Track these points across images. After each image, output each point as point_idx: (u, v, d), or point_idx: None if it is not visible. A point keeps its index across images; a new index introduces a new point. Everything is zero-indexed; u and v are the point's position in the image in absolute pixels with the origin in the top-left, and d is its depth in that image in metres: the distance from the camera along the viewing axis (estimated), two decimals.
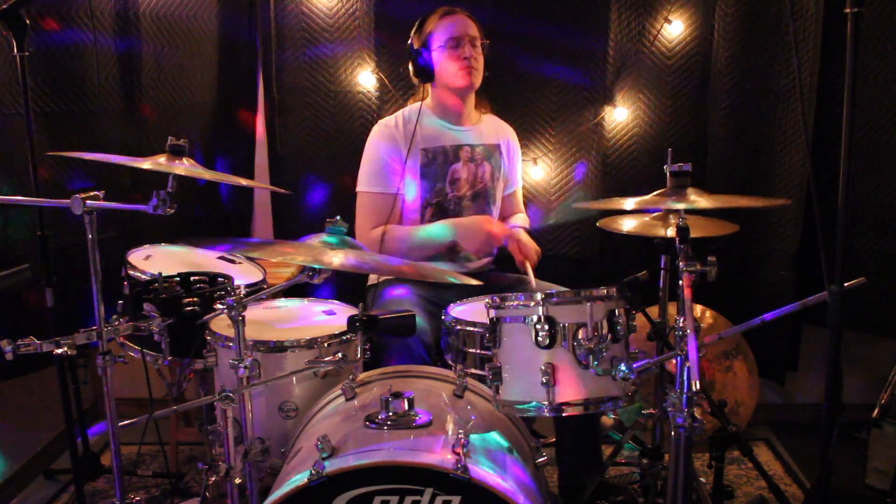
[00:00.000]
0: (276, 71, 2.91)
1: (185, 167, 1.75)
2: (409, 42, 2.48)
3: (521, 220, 2.71)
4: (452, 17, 2.43)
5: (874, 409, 2.61)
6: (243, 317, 1.63)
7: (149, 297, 1.95)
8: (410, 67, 2.49)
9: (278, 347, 1.89)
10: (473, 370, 1.93)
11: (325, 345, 1.91)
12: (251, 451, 1.70)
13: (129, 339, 2.05)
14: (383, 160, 2.45)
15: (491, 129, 2.64)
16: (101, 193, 1.69)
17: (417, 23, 2.47)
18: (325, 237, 1.66)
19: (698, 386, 1.45)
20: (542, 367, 1.58)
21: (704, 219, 2.11)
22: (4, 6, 2.04)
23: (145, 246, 2.33)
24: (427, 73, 2.45)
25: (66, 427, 2.27)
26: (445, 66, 2.42)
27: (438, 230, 2.43)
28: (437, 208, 2.51)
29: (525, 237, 2.52)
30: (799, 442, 2.95)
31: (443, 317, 2.11)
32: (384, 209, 2.42)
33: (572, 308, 1.60)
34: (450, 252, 2.51)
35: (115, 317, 1.87)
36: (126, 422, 1.74)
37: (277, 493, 1.41)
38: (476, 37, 2.44)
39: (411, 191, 2.49)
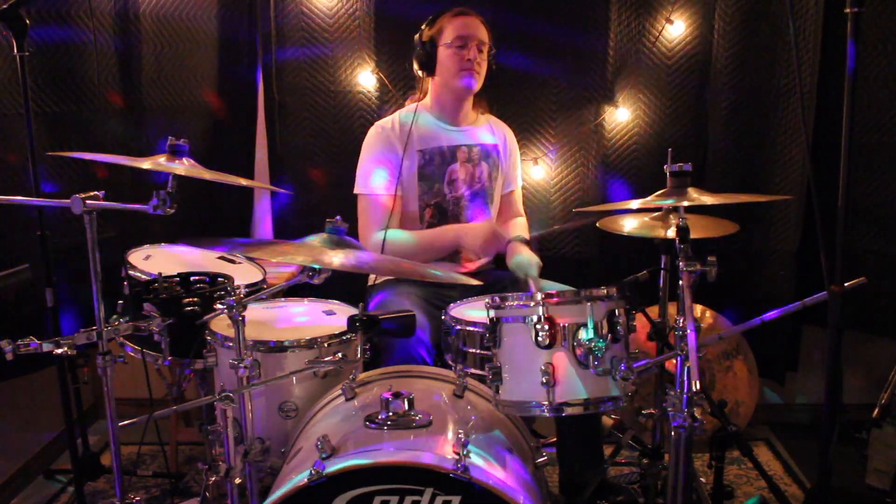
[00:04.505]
0: (276, 71, 2.91)
1: (185, 167, 1.75)
2: (419, 34, 2.48)
3: (520, 226, 2.69)
4: (465, 17, 2.44)
5: (874, 409, 2.60)
6: (243, 317, 1.63)
7: (149, 297, 1.95)
8: (415, 59, 2.50)
9: (278, 347, 1.89)
10: (473, 370, 1.93)
11: (325, 345, 1.91)
12: (251, 451, 1.70)
13: (129, 339, 2.04)
14: (380, 162, 2.46)
15: (488, 129, 2.64)
16: (101, 193, 1.69)
17: (431, 17, 2.48)
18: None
19: (698, 386, 1.45)
20: (542, 367, 1.57)
21: (705, 219, 2.11)
22: (4, 6, 2.04)
23: (145, 246, 2.33)
24: (430, 67, 2.46)
25: (66, 427, 2.27)
26: (448, 63, 2.43)
27: (442, 235, 2.44)
28: (436, 209, 2.51)
29: (525, 253, 2.42)
30: (799, 442, 2.95)
31: (443, 316, 2.11)
32: (383, 211, 2.43)
33: (572, 308, 1.59)
34: (451, 253, 2.52)
35: (115, 317, 1.87)
36: (126, 422, 1.74)
37: (277, 493, 1.41)
38: (484, 42, 2.45)
39: (409, 192, 2.49)
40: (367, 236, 2.44)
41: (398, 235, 2.43)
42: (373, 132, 2.52)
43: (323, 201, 2.96)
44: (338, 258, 1.58)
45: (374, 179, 2.46)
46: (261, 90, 2.96)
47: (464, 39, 2.41)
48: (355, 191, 2.49)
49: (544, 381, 1.57)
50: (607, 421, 2.59)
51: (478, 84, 2.48)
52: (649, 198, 1.85)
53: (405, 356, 2.08)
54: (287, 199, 2.98)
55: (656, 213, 2.11)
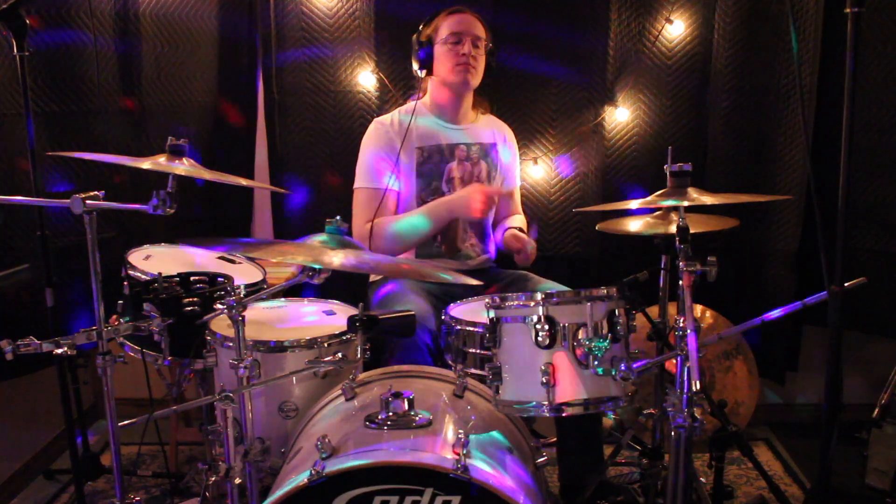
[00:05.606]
0: (276, 71, 2.91)
1: (185, 167, 1.75)
2: (417, 34, 2.50)
3: (518, 221, 2.71)
4: (460, 14, 2.47)
5: (874, 409, 2.60)
6: (243, 317, 1.63)
7: (149, 297, 1.95)
8: (414, 59, 2.51)
9: (278, 347, 1.89)
10: (473, 370, 1.93)
11: (325, 345, 1.91)
12: (251, 451, 1.70)
13: (129, 339, 2.04)
14: (378, 157, 2.48)
15: (487, 128, 2.64)
16: (101, 193, 1.69)
17: (428, 17, 2.50)
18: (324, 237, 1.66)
19: (698, 386, 1.45)
20: (542, 367, 1.58)
21: (705, 218, 2.11)
22: (4, 6, 2.04)
23: (145, 246, 2.33)
24: (428, 65, 2.48)
25: (66, 427, 2.27)
26: (444, 60, 2.45)
27: (434, 209, 2.44)
28: None
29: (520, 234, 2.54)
30: (799, 442, 2.95)
31: (443, 317, 2.11)
32: (377, 205, 2.44)
33: (572, 308, 1.60)
34: (450, 249, 2.52)
35: (114, 317, 1.87)
36: (126, 422, 1.74)
37: (277, 493, 1.41)
38: (480, 37, 2.46)
39: (407, 188, 2.49)
40: (358, 228, 2.45)
41: (383, 222, 2.44)
42: (372, 128, 2.54)
43: (323, 201, 2.96)
44: (338, 258, 1.58)
45: (371, 174, 2.47)
46: (261, 90, 2.96)
47: (458, 36, 2.43)
48: (354, 185, 2.51)
49: (544, 381, 1.57)
50: (607, 421, 2.60)
51: (474, 79, 2.48)
52: (649, 198, 1.85)
53: (408, 351, 2.08)
54: (287, 198, 2.98)
55: (656, 213, 2.11)
